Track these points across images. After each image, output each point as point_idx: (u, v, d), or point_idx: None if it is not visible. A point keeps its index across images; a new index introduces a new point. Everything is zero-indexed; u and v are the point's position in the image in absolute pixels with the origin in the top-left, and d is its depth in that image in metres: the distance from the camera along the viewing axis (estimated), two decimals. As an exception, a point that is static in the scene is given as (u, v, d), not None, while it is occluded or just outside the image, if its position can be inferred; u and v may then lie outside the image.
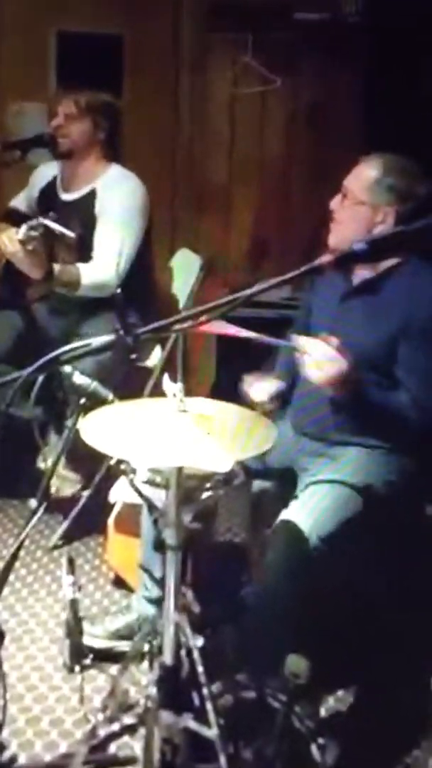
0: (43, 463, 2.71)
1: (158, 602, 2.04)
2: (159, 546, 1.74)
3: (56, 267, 2.86)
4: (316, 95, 4.30)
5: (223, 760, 1.70)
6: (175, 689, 1.74)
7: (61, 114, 3.01)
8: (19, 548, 1.82)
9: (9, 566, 1.83)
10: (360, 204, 2.15)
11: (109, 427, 1.67)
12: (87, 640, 2.33)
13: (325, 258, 1.45)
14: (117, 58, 4.28)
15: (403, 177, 2.13)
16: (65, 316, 3.09)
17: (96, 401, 1.88)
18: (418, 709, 2.21)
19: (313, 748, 1.82)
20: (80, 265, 2.93)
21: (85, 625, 2.34)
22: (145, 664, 2.13)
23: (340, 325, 2.16)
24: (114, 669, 2.31)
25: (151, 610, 2.31)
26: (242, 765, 1.77)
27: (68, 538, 2.98)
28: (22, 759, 2.05)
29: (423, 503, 2.33)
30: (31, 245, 2.72)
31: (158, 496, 1.78)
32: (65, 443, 2.48)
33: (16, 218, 3.04)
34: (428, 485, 2.25)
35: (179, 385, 1.70)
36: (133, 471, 1.77)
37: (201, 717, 1.73)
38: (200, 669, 1.75)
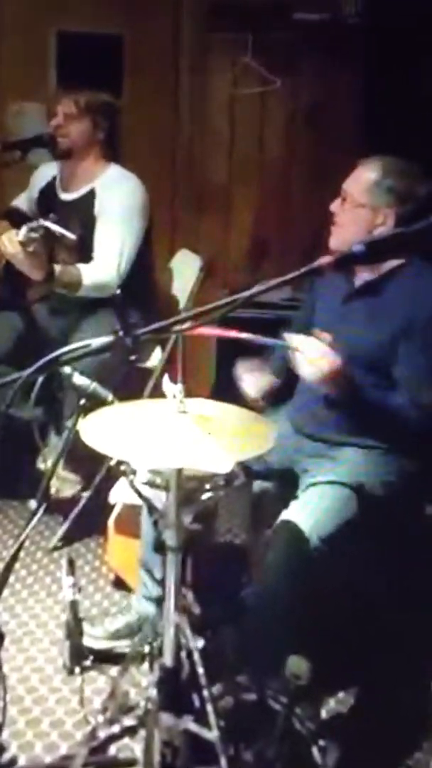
0: (43, 464, 2.71)
1: (158, 601, 2.04)
2: (159, 547, 1.74)
3: (57, 268, 2.85)
4: (315, 95, 4.30)
5: (223, 762, 1.69)
6: (175, 691, 1.74)
7: (61, 114, 3.01)
8: (19, 549, 1.81)
9: (9, 567, 1.83)
10: (360, 206, 2.15)
11: (109, 428, 1.67)
12: (87, 641, 2.33)
13: (325, 259, 1.44)
14: (117, 59, 4.27)
15: (403, 178, 2.13)
16: (65, 317, 3.09)
17: (96, 402, 1.88)
18: (419, 711, 2.21)
19: (314, 750, 1.82)
20: (81, 266, 2.92)
21: (85, 627, 2.34)
22: (146, 665, 2.13)
23: (343, 326, 2.16)
24: (114, 671, 2.31)
25: (150, 609, 2.31)
26: (243, 767, 1.76)
27: (68, 539, 2.98)
28: (22, 760, 2.04)
29: (423, 503, 2.33)
30: (32, 247, 2.72)
31: (158, 497, 1.78)
32: (65, 444, 2.48)
33: (16, 219, 3.03)
34: (428, 485, 2.25)
35: (179, 386, 1.69)
36: (133, 472, 1.77)
37: (201, 719, 1.73)
38: (200, 670, 1.75)
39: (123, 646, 2.35)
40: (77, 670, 2.31)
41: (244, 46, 4.16)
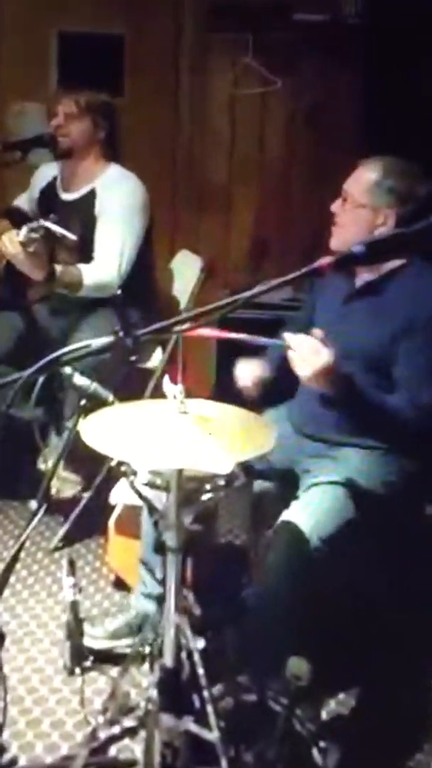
0: (43, 465, 2.71)
1: (157, 599, 2.04)
2: (159, 548, 1.73)
3: (58, 268, 2.85)
4: (316, 96, 4.30)
5: (224, 763, 1.69)
6: (175, 692, 1.74)
7: (61, 113, 3.01)
8: (19, 550, 1.81)
9: (10, 568, 1.83)
10: (360, 207, 2.15)
11: (109, 429, 1.67)
12: (87, 642, 2.33)
13: (325, 260, 1.44)
14: (117, 59, 4.28)
15: (403, 179, 2.13)
16: (66, 317, 3.09)
17: (96, 402, 1.87)
18: (420, 712, 2.20)
19: (315, 751, 1.81)
20: (81, 266, 2.92)
21: (85, 627, 2.34)
22: (146, 666, 2.13)
23: (343, 326, 2.16)
24: (114, 671, 2.31)
25: (149, 607, 2.31)
26: (243, 768, 1.76)
27: (69, 539, 2.98)
28: (22, 761, 2.04)
29: (423, 503, 2.33)
30: (32, 247, 2.72)
31: (159, 498, 1.78)
32: (66, 445, 2.48)
33: (17, 219, 3.04)
34: (428, 485, 2.24)
35: (180, 387, 1.69)
36: (134, 473, 1.76)
37: (202, 720, 1.72)
38: (201, 671, 1.74)
39: (123, 645, 2.35)
40: (78, 670, 2.31)
41: (245, 46, 4.16)
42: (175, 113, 4.37)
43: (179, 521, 1.70)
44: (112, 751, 2.04)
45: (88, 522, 2.95)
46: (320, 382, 1.98)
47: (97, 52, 4.20)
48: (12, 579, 2.26)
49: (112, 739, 2.05)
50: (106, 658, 2.34)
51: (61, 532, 2.98)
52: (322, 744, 1.83)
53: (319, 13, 4.16)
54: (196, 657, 1.74)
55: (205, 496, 1.77)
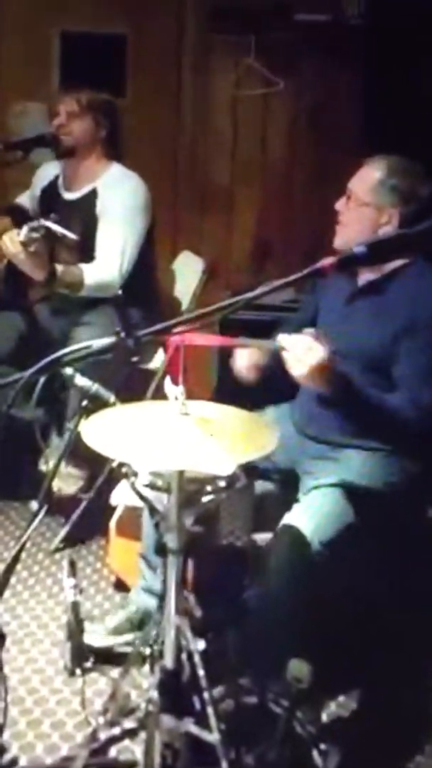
0: (44, 465, 2.70)
1: (157, 594, 2.03)
2: (160, 549, 1.73)
3: (59, 268, 2.85)
4: (317, 96, 4.29)
5: (224, 765, 1.68)
6: (176, 693, 1.73)
7: (63, 112, 3.01)
8: (20, 551, 1.81)
9: (10, 569, 1.82)
10: (364, 205, 2.15)
11: (110, 430, 1.66)
12: (87, 639, 2.32)
13: (327, 260, 1.44)
14: (120, 59, 4.28)
15: (407, 178, 2.13)
16: (67, 317, 3.08)
17: (98, 403, 1.87)
18: (421, 714, 2.20)
19: (315, 754, 1.81)
20: (83, 266, 2.92)
21: (86, 624, 2.33)
22: (147, 667, 2.12)
23: (346, 326, 2.16)
24: (115, 672, 2.31)
25: (150, 601, 2.31)
26: (243, 770, 1.76)
27: (70, 540, 2.98)
28: (22, 761, 2.04)
29: (424, 505, 2.32)
30: (33, 247, 2.72)
31: (160, 500, 1.77)
32: (67, 445, 2.47)
33: (18, 217, 3.04)
34: (430, 487, 2.24)
35: (181, 388, 1.69)
36: (135, 474, 1.76)
37: (202, 721, 1.72)
38: (201, 673, 1.74)
39: (123, 642, 2.35)
40: (78, 671, 2.30)
41: (247, 47, 4.16)
42: (177, 114, 4.37)
43: (180, 523, 1.70)
44: (113, 752, 2.04)
45: (89, 523, 2.94)
46: (316, 380, 1.96)
47: (99, 52, 4.20)
48: (13, 580, 2.25)
49: (113, 740, 2.05)
50: (106, 658, 2.34)
51: (62, 533, 2.97)
52: (322, 746, 1.82)
53: (320, 14, 4.16)
54: (197, 658, 1.74)
55: (206, 498, 1.76)
